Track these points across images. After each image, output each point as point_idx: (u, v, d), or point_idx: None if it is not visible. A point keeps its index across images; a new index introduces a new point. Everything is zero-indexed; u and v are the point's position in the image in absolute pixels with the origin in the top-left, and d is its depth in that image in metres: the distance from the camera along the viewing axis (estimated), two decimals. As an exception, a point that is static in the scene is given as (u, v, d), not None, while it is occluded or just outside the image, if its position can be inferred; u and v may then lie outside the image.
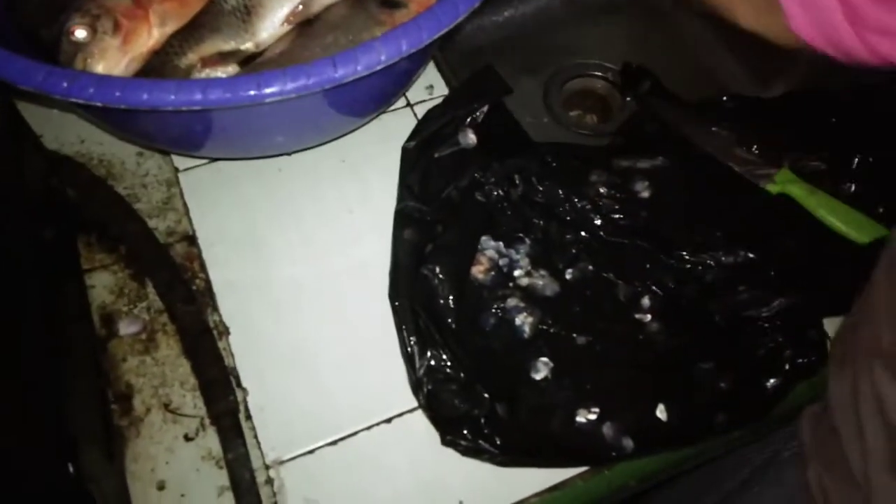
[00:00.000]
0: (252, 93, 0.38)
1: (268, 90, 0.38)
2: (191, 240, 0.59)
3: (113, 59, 0.46)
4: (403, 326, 0.51)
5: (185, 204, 0.61)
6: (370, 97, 0.54)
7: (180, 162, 0.62)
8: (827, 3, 0.33)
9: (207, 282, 0.57)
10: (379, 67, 0.40)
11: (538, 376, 0.51)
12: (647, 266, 0.56)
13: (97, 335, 0.55)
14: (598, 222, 0.58)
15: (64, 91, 0.38)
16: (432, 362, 0.50)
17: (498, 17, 0.81)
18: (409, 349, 0.50)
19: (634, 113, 0.66)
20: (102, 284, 0.57)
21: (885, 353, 0.39)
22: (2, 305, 0.41)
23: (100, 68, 0.45)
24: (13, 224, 0.52)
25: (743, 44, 0.78)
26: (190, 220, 0.60)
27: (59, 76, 0.38)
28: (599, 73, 0.80)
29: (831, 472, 0.44)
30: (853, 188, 0.60)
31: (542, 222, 0.57)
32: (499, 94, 0.61)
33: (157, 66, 0.49)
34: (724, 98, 0.65)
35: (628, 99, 0.76)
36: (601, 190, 0.59)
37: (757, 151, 0.62)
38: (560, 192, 0.58)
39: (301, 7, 0.52)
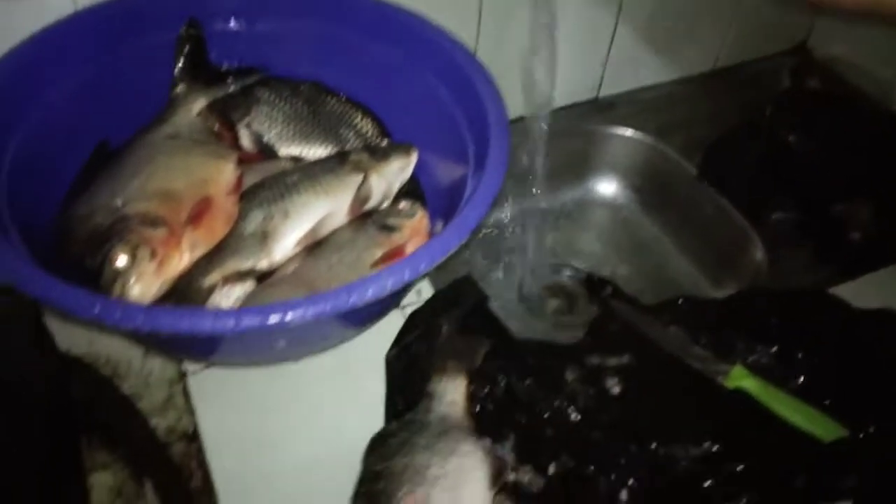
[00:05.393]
0: (277, 319, 0.44)
1: (290, 316, 0.44)
2: (190, 438, 0.62)
3: (148, 284, 0.52)
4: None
5: (187, 402, 0.64)
6: (375, 312, 0.61)
7: (184, 362, 0.67)
8: None
9: (208, 480, 0.59)
10: (385, 294, 0.47)
11: (527, 574, 0.53)
12: (623, 461, 0.60)
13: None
14: (575, 418, 0.63)
15: (116, 320, 0.43)
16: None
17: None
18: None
19: (599, 314, 0.74)
20: (101, 484, 0.59)
21: None
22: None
23: (136, 291, 0.51)
24: (22, 426, 0.55)
25: (695, 248, 0.89)
26: (193, 418, 0.63)
27: (112, 307, 0.43)
28: (569, 273, 0.89)
29: None
30: (801, 380, 0.66)
31: (524, 419, 0.62)
32: (476, 300, 0.68)
33: (184, 285, 0.55)
34: (680, 300, 0.73)
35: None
36: (576, 387, 0.64)
37: (711, 349, 0.69)
38: (539, 390, 0.63)
39: (311, 232, 0.60)
